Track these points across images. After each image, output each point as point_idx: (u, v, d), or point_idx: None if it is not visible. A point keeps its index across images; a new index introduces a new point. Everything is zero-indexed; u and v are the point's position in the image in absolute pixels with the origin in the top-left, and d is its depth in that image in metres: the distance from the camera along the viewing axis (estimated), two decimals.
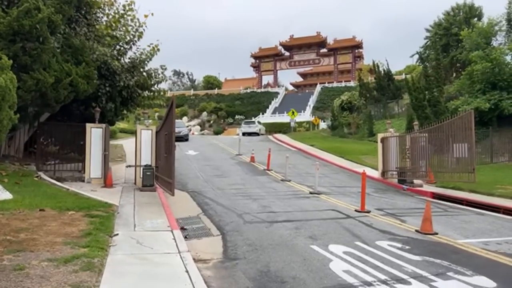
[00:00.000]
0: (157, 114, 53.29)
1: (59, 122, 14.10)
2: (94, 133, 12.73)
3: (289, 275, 5.24)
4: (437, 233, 7.52)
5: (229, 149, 24.62)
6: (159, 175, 11.80)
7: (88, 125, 12.76)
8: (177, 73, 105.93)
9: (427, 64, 30.15)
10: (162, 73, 15.63)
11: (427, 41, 34.34)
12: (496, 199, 10.93)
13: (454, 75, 28.92)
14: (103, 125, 13.01)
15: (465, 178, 12.35)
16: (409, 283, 5.01)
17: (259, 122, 41.16)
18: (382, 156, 15.54)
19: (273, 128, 48.02)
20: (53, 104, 11.73)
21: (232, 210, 9.45)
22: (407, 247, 6.65)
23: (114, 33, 15.27)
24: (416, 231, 7.73)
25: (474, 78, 21.12)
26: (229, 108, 62.18)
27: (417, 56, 36.53)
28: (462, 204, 11.12)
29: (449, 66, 28.91)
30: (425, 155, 13.94)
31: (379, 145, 15.75)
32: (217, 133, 54.36)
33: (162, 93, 16.47)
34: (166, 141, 10.70)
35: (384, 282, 5.05)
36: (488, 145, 18.66)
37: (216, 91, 73.90)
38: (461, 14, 31.56)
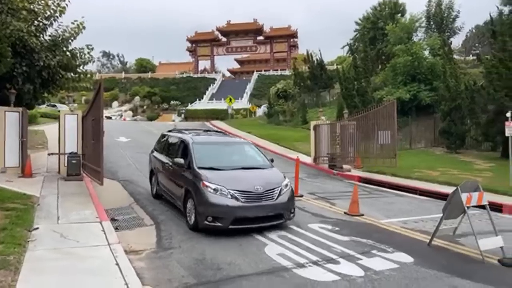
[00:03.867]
0: (84, 98, 49.82)
1: None
2: (9, 118, 11.45)
3: (225, 261, 5.25)
4: (363, 215, 8.06)
5: None
6: (86, 163, 11.03)
7: (1, 108, 11.44)
8: (106, 55, 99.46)
9: (356, 55, 31.88)
10: (89, 53, 14.36)
11: (357, 34, 36.26)
12: (414, 182, 12.02)
13: (380, 67, 30.98)
14: (20, 109, 11.75)
15: (388, 163, 13.44)
16: (338, 263, 5.31)
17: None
18: (314, 143, 16.21)
19: (210, 115, 47.55)
20: None
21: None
22: (336, 228, 7.03)
23: (32, 7, 13.69)
24: (345, 213, 8.22)
25: (397, 70, 22.83)
26: (164, 93, 60.16)
27: (347, 47, 38.51)
28: (385, 187, 12.04)
29: (375, 58, 30.87)
30: (353, 141, 14.85)
31: (312, 132, 16.39)
32: (151, 119, 52.38)
33: (89, 75, 15.18)
34: (94, 126, 9.99)
35: (315, 263, 5.29)
36: (407, 133, 20.39)
37: (149, 75, 70.89)
38: (386, 9, 33.74)
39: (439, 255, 5.76)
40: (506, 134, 10.55)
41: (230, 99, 39.47)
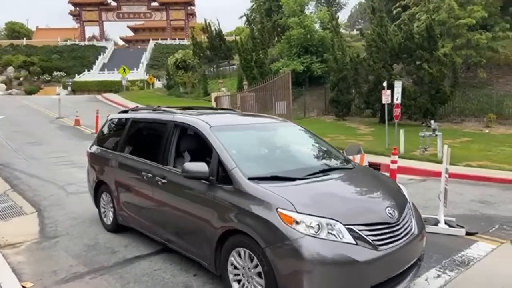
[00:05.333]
0: None
1: None
2: None
3: (121, 244, 4.92)
4: None
5: (47, 112, 21.28)
6: None
7: None
8: None
9: (254, 26, 32.19)
10: None
11: (253, 4, 36.47)
12: None
13: (276, 38, 31.87)
14: None
15: None
16: None
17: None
18: None
19: (102, 87, 43.79)
20: None
21: (52, 182, 8.21)
22: None
23: None
24: None
25: (291, 42, 23.74)
26: (45, 63, 53.09)
27: (245, 18, 38.59)
28: None
29: (272, 30, 31.57)
30: (253, 112, 15.20)
31: (213, 104, 16.29)
32: (30, 92, 46.05)
33: None
34: None
35: None
36: (302, 103, 21.65)
37: (25, 41, 61.57)
38: None
39: None
40: (383, 102, 11.89)
41: (124, 70, 36.59)
